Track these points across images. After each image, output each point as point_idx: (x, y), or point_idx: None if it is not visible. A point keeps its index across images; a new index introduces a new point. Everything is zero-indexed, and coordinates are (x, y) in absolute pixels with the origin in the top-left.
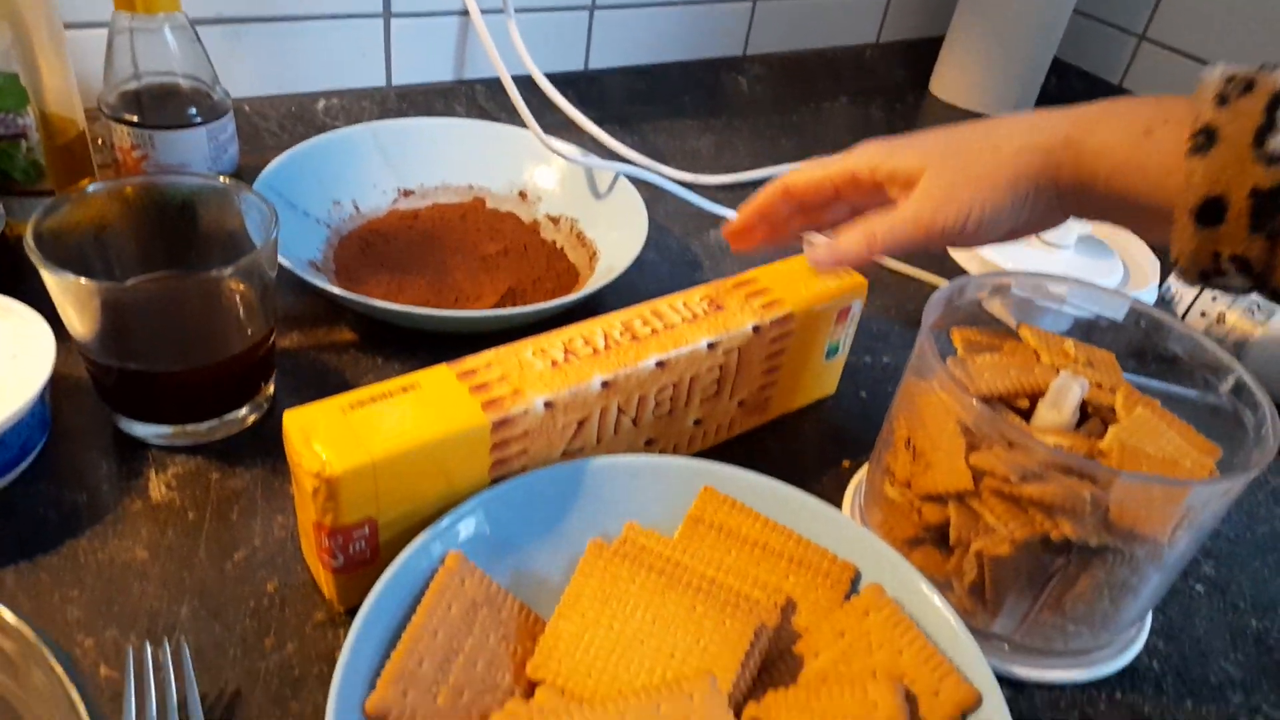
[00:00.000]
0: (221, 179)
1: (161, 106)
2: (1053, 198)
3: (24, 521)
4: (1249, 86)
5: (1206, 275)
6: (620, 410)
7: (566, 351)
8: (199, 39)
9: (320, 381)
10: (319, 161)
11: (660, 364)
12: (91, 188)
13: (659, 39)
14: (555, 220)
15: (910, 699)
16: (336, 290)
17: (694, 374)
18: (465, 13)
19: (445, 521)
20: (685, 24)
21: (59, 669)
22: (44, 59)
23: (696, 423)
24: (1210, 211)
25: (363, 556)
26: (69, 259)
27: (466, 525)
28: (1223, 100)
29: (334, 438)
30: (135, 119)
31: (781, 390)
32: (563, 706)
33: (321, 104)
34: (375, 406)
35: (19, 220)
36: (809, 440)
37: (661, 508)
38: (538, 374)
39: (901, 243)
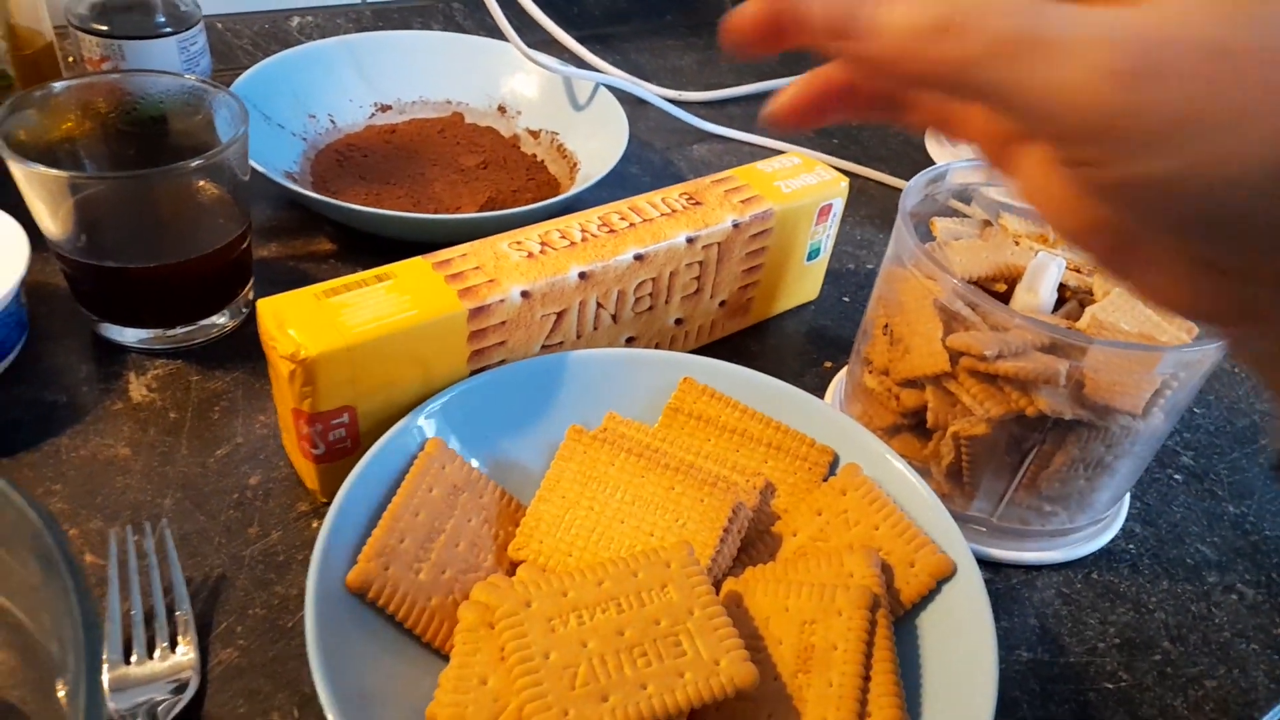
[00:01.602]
0: (190, 78)
1: (130, 17)
2: None
3: (2, 421)
4: None
5: None
6: (600, 305)
7: (543, 244)
8: None
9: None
10: (293, 74)
11: (638, 257)
12: (59, 86)
13: None
14: (535, 134)
15: (886, 570)
16: (314, 195)
17: (673, 269)
18: None
19: (425, 408)
20: None
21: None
22: None
23: (678, 322)
24: None
25: (343, 445)
26: (39, 159)
27: (447, 413)
28: None
29: (309, 323)
30: (103, 29)
31: (763, 292)
32: (542, 576)
33: (295, 21)
34: (350, 295)
35: None
36: (791, 343)
37: (642, 401)
38: (514, 264)
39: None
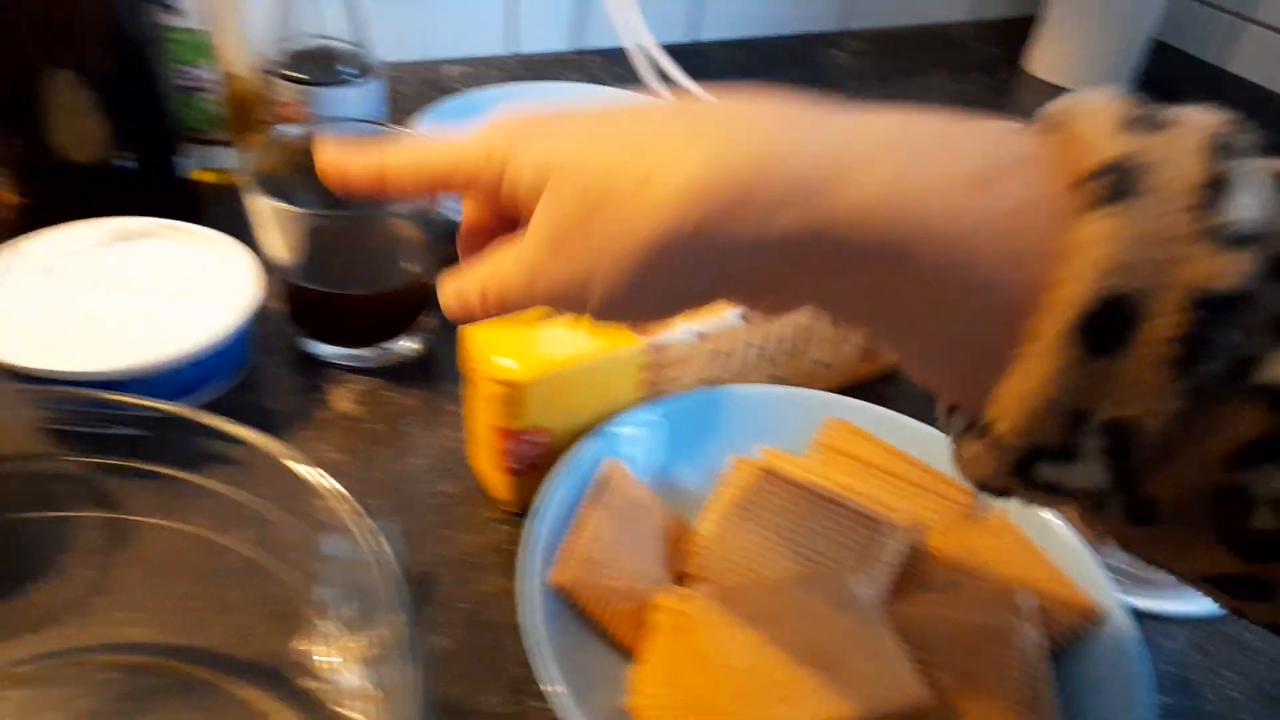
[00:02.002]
0: (388, 125)
1: (321, 65)
2: (748, 280)
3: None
4: (1162, 124)
5: (1033, 460)
6: (756, 345)
7: None
8: (358, 3)
9: None
10: (460, 120)
11: None
12: (288, 132)
13: (761, 14)
14: None
15: (1038, 610)
16: None
17: (819, 315)
18: None
19: (606, 432)
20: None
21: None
22: (225, 19)
23: (824, 365)
24: (1108, 327)
25: (534, 461)
26: (274, 194)
27: (622, 437)
28: (1135, 126)
29: (515, 352)
30: (298, 76)
31: None
32: (722, 590)
33: (450, 70)
34: (544, 326)
35: (195, 166)
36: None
37: (792, 436)
38: None
39: (517, 304)
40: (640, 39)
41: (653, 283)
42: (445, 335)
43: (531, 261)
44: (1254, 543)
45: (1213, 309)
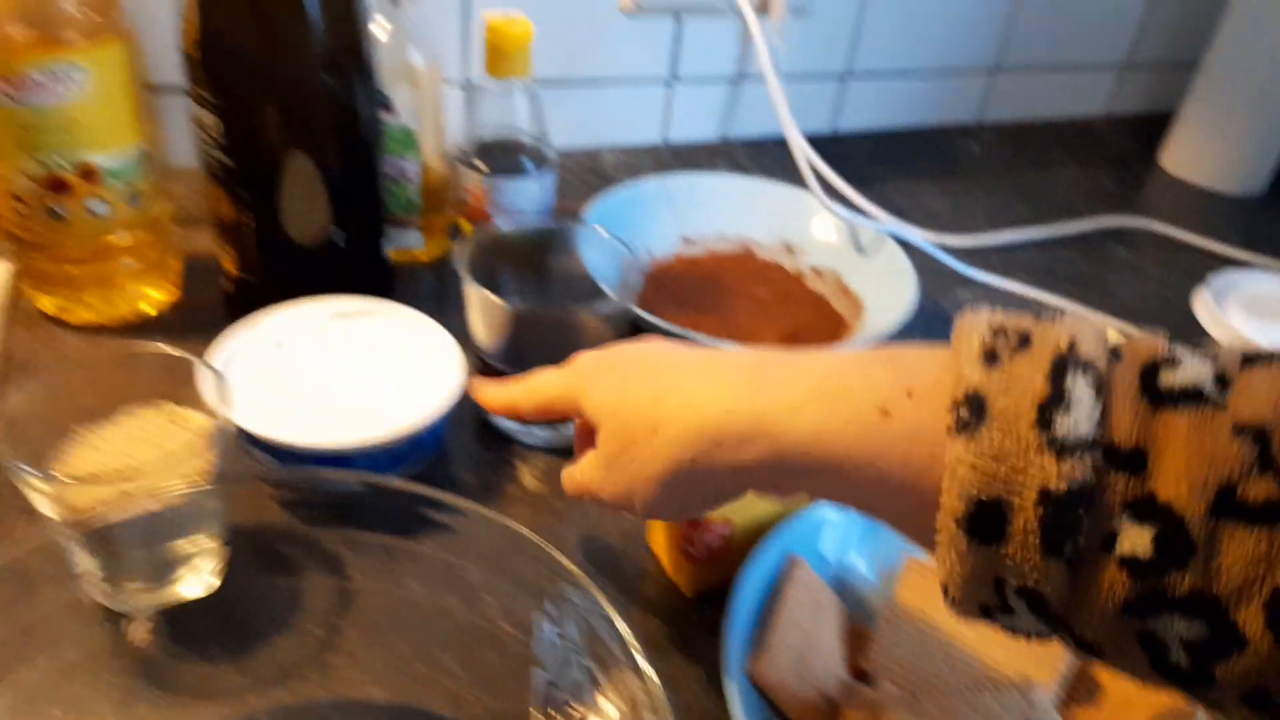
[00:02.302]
0: (570, 218)
1: (504, 156)
2: (751, 484)
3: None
4: (1024, 342)
5: (989, 611)
6: None
7: None
8: (539, 99)
9: None
10: (624, 208)
11: None
12: (502, 226)
13: (898, 106)
14: (819, 272)
15: None
16: (656, 319)
17: None
18: (738, 79)
19: (788, 527)
20: (923, 93)
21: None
22: (428, 115)
23: None
24: (986, 523)
25: (716, 553)
26: (480, 282)
27: (803, 533)
28: (991, 358)
29: None
30: (484, 167)
31: None
32: (897, 693)
33: (608, 158)
34: None
35: (392, 246)
36: None
37: None
38: None
39: (594, 498)
40: (787, 130)
41: (674, 497)
42: None
43: (598, 474)
44: (1180, 677)
45: (1061, 503)
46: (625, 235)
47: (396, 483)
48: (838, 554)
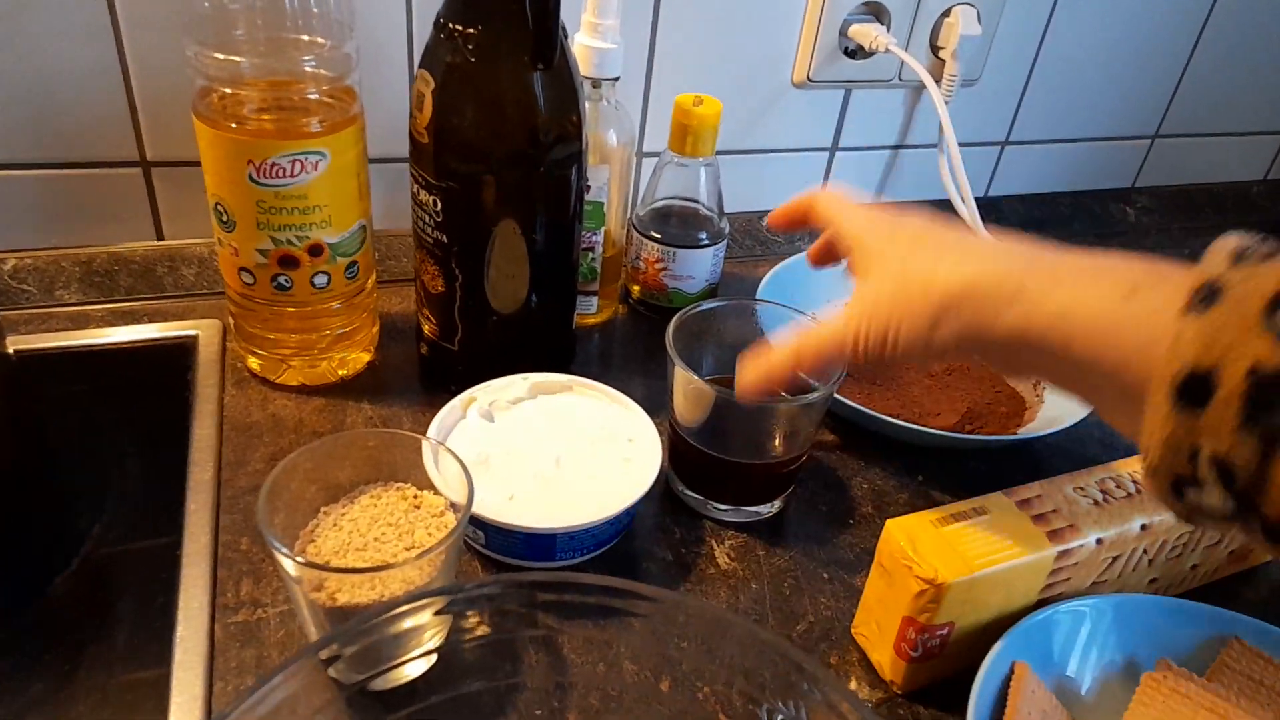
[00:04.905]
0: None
1: (681, 227)
2: (988, 350)
3: (633, 573)
4: (1271, 255)
5: (1181, 485)
6: (1145, 550)
7: (1103, 492)
8: (718, 175)
9: (825, 480)
10: (795, 277)
11: None
12: (701, 307)
13: (1054, 171)
14: None
15: None
16: (857, 406)
17: None
18: (898, 147)
19: (1015, 632)
20: (1081, 158)
21: None
22: (616, 191)
23: (1193, 566)
24: (1195, 389)
25: (933, 651)
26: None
27: (1028, 639)
28: (1239, 258)
29: (938, 550)
30: (660, 237)
31: None
32: None
33: (763, 221)
34: (959, 525)
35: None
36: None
37: (1187, 649)
38: (1085, 510)
39: (827, 361)
40: (951, 192)
41: (935, 335)
42: (803, 499)
43: (852, 328)
44: None
45: (1266, 381)
46: (803, 302)
47: (609, 582)
48: (1060, 661)
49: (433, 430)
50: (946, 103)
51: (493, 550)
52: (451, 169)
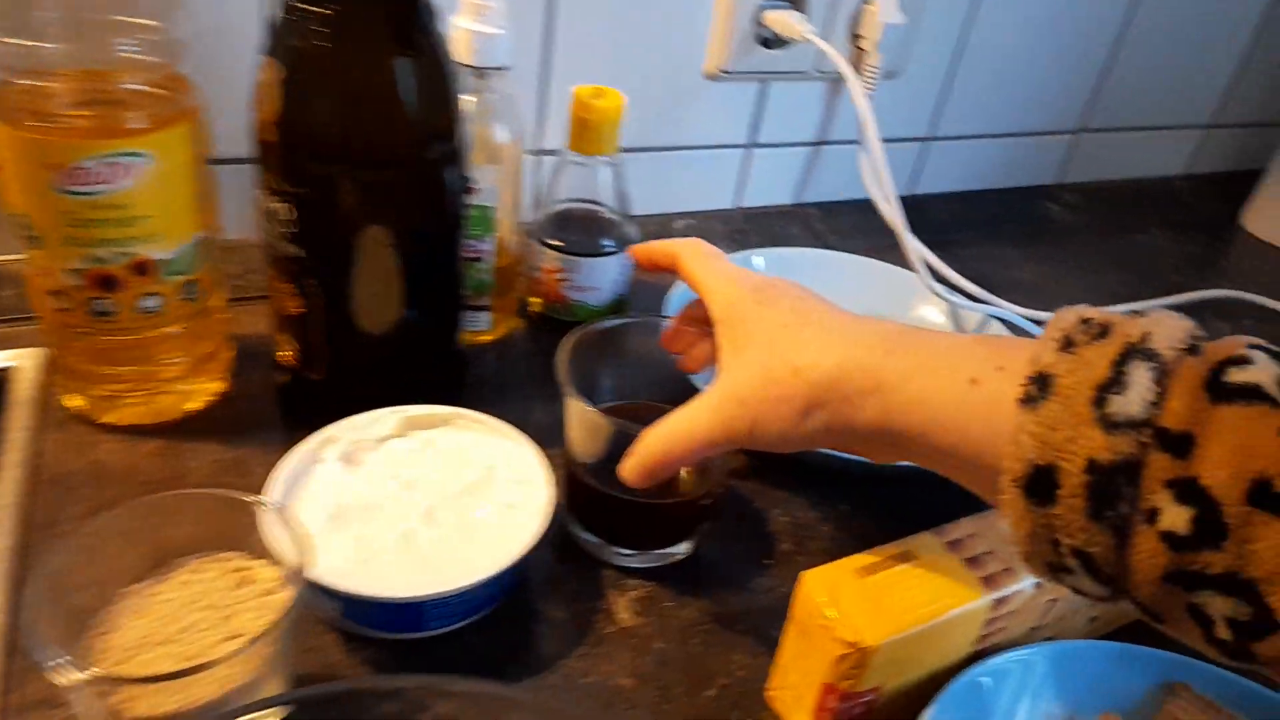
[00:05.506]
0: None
1: (583, 233)
2: (856, 440)
3: (519, 637)
4: (1103, 332)
5: (1055, 569)
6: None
7: None
8: (624, 174)
9: (740, 511)
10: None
11: None
12: (597, 327)
13: (980, 167)
14: None
15: None
16: None
17: None
18: (818, 143)
19: (948, 696)
20: (1007, 154)
21: None
22: (507, 192)
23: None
24: (1041, 485)
25: (857, 718)
26: (579, 394)
27: (964, 701)
28: (1068, 345)
29: (861, 606)
30: (559, 244)
31: None
32: None
33: (679, 224)
34: (883, 575)
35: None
36: None
37: (1130, 698)
38: None
39: (702, 456)
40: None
41: (796, 430)
42: (712, 537)
43: (721, 419)
44: (1228, 651)
45: (1105, 473)
46: None
47: (476, 685)
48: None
49: (277, 481)
50: (868, 95)
51: (354, 621)
52: (305, 172)
